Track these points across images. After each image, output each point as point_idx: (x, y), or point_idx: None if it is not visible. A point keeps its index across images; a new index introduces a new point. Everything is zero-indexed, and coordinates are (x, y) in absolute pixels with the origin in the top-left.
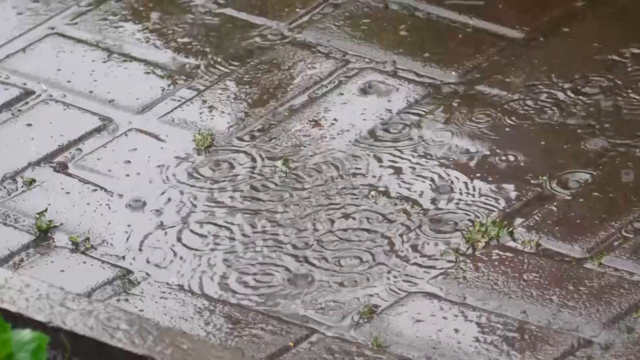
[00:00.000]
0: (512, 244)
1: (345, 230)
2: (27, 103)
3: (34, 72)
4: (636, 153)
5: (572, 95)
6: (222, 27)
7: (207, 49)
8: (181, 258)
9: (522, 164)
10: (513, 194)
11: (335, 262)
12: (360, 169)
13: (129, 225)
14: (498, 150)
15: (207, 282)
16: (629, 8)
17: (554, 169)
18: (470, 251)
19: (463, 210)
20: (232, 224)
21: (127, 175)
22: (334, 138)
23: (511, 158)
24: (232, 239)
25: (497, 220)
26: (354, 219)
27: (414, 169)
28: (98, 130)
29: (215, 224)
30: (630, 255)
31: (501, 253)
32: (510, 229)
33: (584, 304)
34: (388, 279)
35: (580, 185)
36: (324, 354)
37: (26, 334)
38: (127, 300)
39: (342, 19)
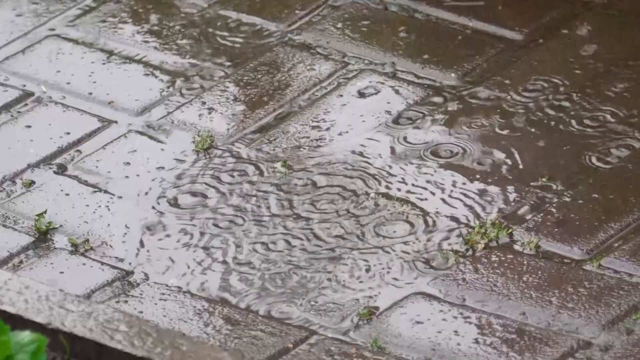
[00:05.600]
0: (511, 245)
1: (344, 231)
2: (26, 105)
3: (33, 73)
4: (636, 154)
5: (571, 96)
6: (222, 29)
7: (206, 51)
8: (181, 259)
9: (521, 166)
10: (512, 196)
11: (334, 264)
12: (359, 170)
13: (128, 227)
14: (497, 152)
15: (206, 283)
16: (627, 10)
17: (553, 171)
18: (469, 253)
19: (462, 211)
20: (232, 225)
21: (127, 176)
22: (333, 140)
23: (510, 159)
24: (232, 240)
25: (497, 221)
26: (352, 220)
27: (414, 170)
28: (97, 131)
29: (216, 225)
30: (629, 257)
31: (500, 255)
32: (510, 230)
33: (584, 305)
34: (387, 280)
35: (579, 187)
36: (324, 355)
37: (25, 335)
38: (126, 301)
39: (341, 20)
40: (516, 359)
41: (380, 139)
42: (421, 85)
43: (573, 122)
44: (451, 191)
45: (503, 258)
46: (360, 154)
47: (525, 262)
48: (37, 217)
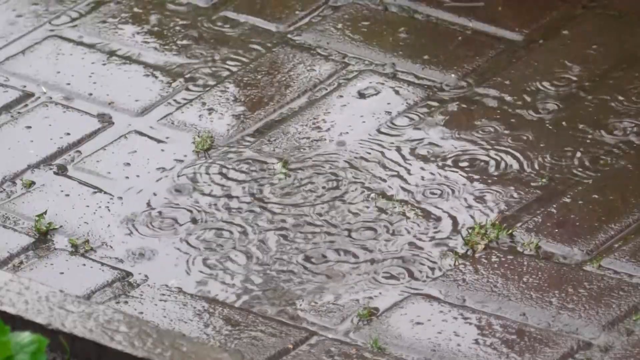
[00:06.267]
0: (511, 246)
1: (344, 232)
2: (26, 105)
3: (34, 74)
4: (636, 155)
5: (571, 97)
6: (221, 29)
7: (206, 51)
8: (181, 260)
9: (521, 166)
10: (512, 196)
11: (335, 264)
12: (359, 171)
13: (128, 228)
14: (497, 152)
15: (206, 284)
16: (627, 10)
17: (553, 171)
18: (469, 253)
19: (462, 212)
20: (233, 225)
21: (127, 177)
22: (332, 140)
23: (510, 160)
24: (233, 240)
25: (497, 222)
26: (352, 221)
27: (413, 171)
28: (97, 132)
29: (216, 227)
30: (629, 258)
31: (500, 255)
32: (510, 231)
33: (584, 306)
34: (387, 281)
35: (579, 188)
36: (324, 356)
37: (25, 336)
38: (126, 302)
39: (341, 21)
40: None
41: (380, 140)
42: (421, 86)
43: (573, 122)
44: (451, 192)
45: (503, 259)
46: (361, 154)
47: (525, 263)
48: (37, 218)
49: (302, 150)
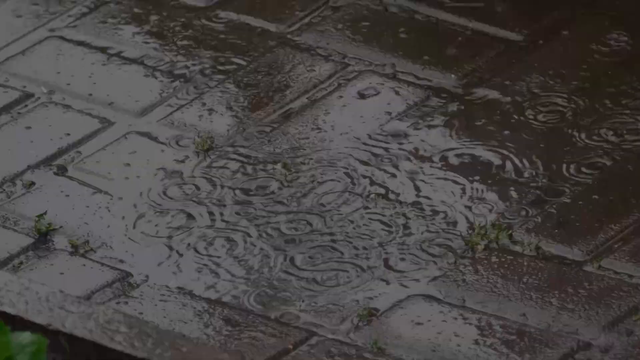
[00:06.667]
0: (511, 246)
1: (344, 232)
2: (26, 106)
3: (34, 74)
4: (636, 155)
5: (571, 98)
6: (221, 30)
7: (207, 52)
8: (181, 261)
9: (521, 167)
10: (512, 197)
11: (334, 265)
12: (359, 172)
13: (128, 228)
14: (497, 153)
15: (207, 284)
16: (628, 11)
17: (553, 172)
18: (469, 254)
19: (462, 212)
20: (232, 227)
21: (127, 178)
22: (332, 141)
23: (511, 160)
24: (233, 241)
25: (497, 223)
26: (352, 221)
27: (413, 172)
28: (97, 132)
29: (216, 228)
30: (629, 258)
31: (500, 256)
32: (510, 231)
33: (584, 306)
34: (387, 281)
35: (579, 188)
36: (324, 356)
37: (25, 336)
38: (126, 303)
39: (341, 21)
40: None
41: (380, 140)
42: (421, 87)
43: (573, 123)
44: (451, 192)
45: (503, 259)
46: (360, 155)
47: (525, 263)
48: (37, 218)
49: (302, 150)
